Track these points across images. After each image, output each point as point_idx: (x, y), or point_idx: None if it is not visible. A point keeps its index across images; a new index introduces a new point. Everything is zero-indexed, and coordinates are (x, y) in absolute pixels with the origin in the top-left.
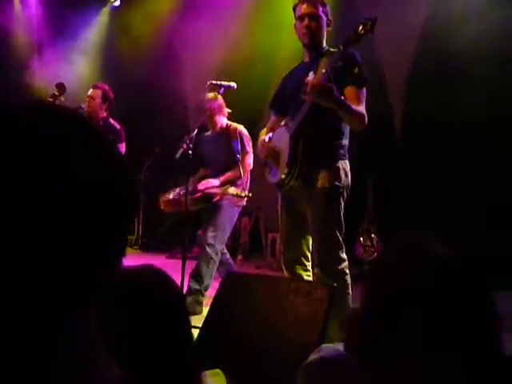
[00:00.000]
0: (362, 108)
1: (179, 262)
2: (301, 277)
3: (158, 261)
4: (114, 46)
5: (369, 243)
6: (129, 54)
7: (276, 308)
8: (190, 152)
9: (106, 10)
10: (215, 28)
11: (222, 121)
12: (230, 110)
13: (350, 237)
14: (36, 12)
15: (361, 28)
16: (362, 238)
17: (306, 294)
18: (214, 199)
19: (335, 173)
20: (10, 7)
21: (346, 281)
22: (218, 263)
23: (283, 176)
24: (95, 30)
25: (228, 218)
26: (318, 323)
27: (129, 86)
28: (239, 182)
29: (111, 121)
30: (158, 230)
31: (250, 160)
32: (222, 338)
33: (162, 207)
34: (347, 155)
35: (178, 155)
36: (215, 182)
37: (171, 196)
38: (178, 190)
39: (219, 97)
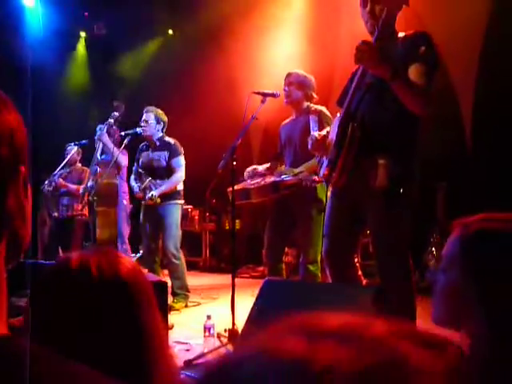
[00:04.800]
0: (425, 87)
1: (247, 281)
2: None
3: (225, 280)
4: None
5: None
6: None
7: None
8: (234, 163)
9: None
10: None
11: (303, 102)
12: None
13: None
14: None
15: None
16: (434, 249)
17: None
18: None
19: (396, 170)
20: None
21: (410, 295)
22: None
23: (328, 168)
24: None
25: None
26: None
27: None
28: None
29: (166, 138)
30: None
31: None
32: None
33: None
34: (414, 151)
35: (220, 166)
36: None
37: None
38: (248, 181)
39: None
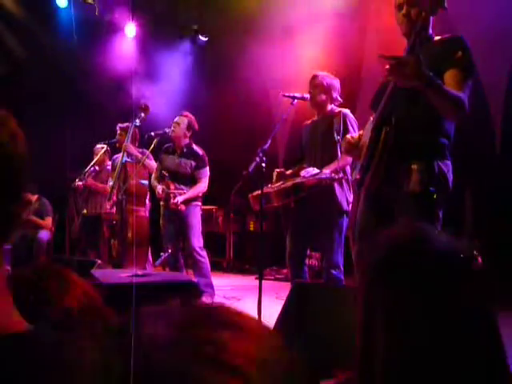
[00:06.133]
0: (461, 94)
1: (269, 283)
2: None
3: (249, 281)
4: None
5: None
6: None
7: (342, 318)
8: (264, 165)
9: None
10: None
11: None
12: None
13: None
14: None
15: None
16: None
17: None
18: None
19: (429, 174)
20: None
21: None
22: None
23: (360, 172)
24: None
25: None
26: None
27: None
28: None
29: (194, 147)
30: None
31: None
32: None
33: (252, 204)
34: (447, 155)
35: (251, 168)
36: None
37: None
38: (269, 186)
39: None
